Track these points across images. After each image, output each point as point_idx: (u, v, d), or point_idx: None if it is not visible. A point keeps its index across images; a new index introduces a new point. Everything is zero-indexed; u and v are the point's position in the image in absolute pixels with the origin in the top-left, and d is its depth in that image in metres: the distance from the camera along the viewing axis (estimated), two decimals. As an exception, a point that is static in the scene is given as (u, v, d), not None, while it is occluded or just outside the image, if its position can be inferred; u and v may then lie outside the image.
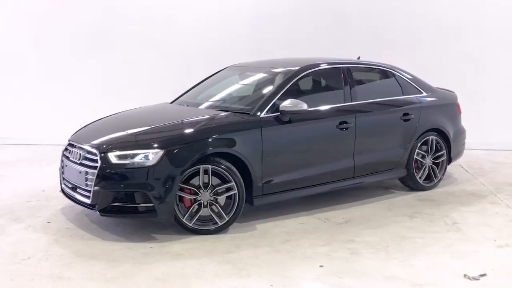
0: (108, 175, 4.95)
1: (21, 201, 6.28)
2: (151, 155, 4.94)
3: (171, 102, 6.47)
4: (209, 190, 5.13)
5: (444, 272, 4.39)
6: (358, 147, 6.04)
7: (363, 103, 6.18)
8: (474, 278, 4.28)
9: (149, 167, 4.91)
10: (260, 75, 6.17)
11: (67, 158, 5.46)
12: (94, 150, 5.09)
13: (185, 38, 9.53)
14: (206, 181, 5.10)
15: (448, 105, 7.01)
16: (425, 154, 6.67)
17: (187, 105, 6.11)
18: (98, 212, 5.03)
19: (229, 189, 5.20)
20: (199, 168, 5.08)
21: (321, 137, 5.81)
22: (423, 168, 6.68)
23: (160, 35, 9.56)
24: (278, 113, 5.52)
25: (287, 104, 5.49)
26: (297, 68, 5.96)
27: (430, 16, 9.31)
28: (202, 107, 5.93)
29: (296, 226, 5.48)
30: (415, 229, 5.40)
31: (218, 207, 5.19)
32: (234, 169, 5.19)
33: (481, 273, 4.36)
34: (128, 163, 4.93)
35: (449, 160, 6.96)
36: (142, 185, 4.90)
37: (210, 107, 5.87)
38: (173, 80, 9.21)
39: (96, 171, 4.98)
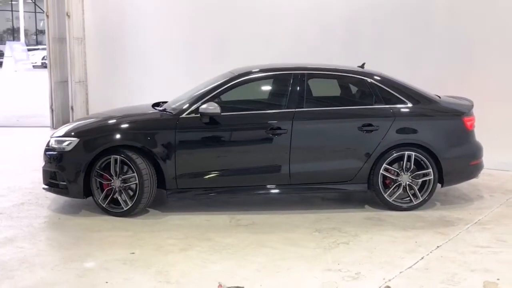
0: (47, 156, 6.16)
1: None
2: (72, 143, 5.96)
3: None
4: (119, 178, 5.90)
5: (211, 276, 4.44)
6: (295, 154, 5.97)
7: (307, 111, 6.06)
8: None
9: (66, 152, 5.95)
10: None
11: None
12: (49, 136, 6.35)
13: (290, 39, 9.98)
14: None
15: (443, 118, 6.22)
16: (400, 170, 6.09)
17: (159, 105, 6.82)
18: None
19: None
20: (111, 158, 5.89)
21: (244, 140, 5.99)
22: (394, 186, 6.12)
23: (268, 38, 10.22)
24: (199, 115, 5.93)
25: (204, 107, 5.88)
26: (233, 74, 6.21)
27: None
28: (166, 107, 6.53)
29: (197, 221, 5.83)
30: (289, 241, 5.24)
31: (124, 194, 5.90)
32: (139, 161, 5.83)
33: (238, 285, 4.27)
34: (56, 147, 6.05)
35: (441, 181, 6.17)
36: (59, 167, 5.97)
37: (166, 107, 6.48)
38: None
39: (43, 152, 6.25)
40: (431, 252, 4.99)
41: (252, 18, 10.42)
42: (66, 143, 5.99)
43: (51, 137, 6.23)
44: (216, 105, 5.83)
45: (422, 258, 4.85)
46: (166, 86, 11.76)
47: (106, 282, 4.33)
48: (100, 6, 12.52)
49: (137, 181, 5.83)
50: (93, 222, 5.77)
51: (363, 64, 6.83)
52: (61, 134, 6.18)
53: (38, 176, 6.70)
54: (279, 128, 5.93)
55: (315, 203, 6.47)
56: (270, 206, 6.34)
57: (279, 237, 5.36)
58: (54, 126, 12.39)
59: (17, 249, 5.03)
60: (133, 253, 4.93)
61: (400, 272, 4.54)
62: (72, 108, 12.49)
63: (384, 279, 4.41)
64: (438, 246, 5.13)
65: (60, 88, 12.55)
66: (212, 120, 5.91)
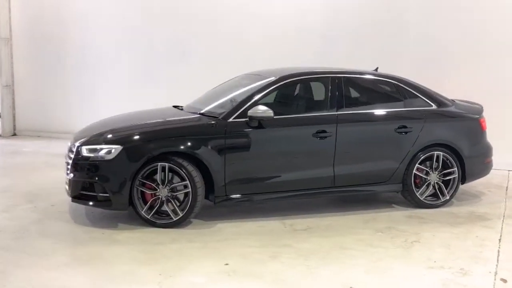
0: (78, 166, 5.62)
1: (53, 187, 7.15)
2: (113, 150, 5.49)
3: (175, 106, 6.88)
4: (167, 187, 5.54)
5: (331, 284, 4.35)
6: (340, 157, 6.02)
7: (349, 114, 6.14)
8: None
9: (107, 161, 5.48)
10: (256, 83, 6.33)
11: None
12: (74, 143, 5.79)
13: (254, 52, 9.93)
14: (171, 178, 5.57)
15: (464, 120, 6.62)
16: (429, 170, 6.36)
17: (182, 109, 6.56)
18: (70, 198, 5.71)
19: (186, 187, 5.55)
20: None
21: (292, 144, 5.92)
22: (425, 185, 6.38)
23: (232, 48, 10.11)
24: (247, 119, 5.75)
25: (255, 110, 5.72)
26: (275, 77, 6.12)
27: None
28: (193, 111, 6.29)
29: (252, 228, 5.68)
30: (364, 242, 5.30)
31: (174, 203, 5.56)
32: (191, 168, 5.53)
33: (366, 288, 4.25)
34: (92, 156, 5.54)
35: (463, 179, 6.54)
36: (100, 177, 5.48)
37: (196, 110, 6.23)
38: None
39: (71, 161, 5.68)
40: (499, 245, 5.30)
41: (214, 19, 10.28)
42: (104, 151, 5.53)
43: (79, 146, 5.69)
44: (266, 107, 5.72)
45: (499, 250, 5.14)
46: (105, 89, 11.22)
47: (236, 295, 4.11)
48: (30, 4, 11.57)
49: (189, 189, 5.55)
50: (145, 235, 5.39)
51: (377, 68, 7.06)
52: (92, 142, 5.67)
53: (25, 191, 6.76)
54: (325, 131, 5.95)
55: (343, 205, 6.56)
56: (304, 210, 6.31)
57: (351, 239, 5.39)
58: (-22, 134, 11.29)
59: (92, 266, 4.60)
60: (227, 264, 4.70)
61: (496, 265, 4.77)
62: (-1, 115, 11.44)
63: (490, 272, 4.63)
64: (499, 239, 5.46)
65: (-16, 93, 11.44)
66: (260, 124, 5.78)
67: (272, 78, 6.13)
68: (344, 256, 4.94)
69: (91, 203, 5.63)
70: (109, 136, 5.70)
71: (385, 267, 4.69)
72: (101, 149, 5.56)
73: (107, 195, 5.49)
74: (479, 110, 6.80)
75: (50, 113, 11.69)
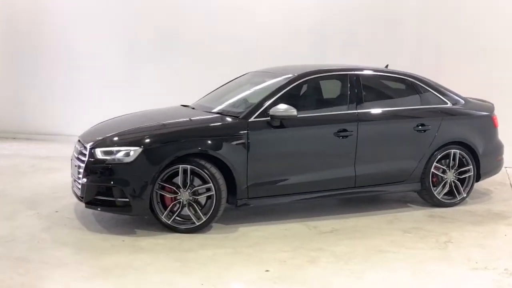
0: (93, 169, 5.28)
1: (50, 192, 6.78)
2: (132, 152, 5.18)
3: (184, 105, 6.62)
4: (189, 190, 5.26)
5: (379, 286, 4.19)
6: (361, 156, 5.87)
7: (369, 112, 6.00)
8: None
9: (126, 164, 5.17)
10: (269, 81, 6.15)
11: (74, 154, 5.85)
12: (86, 145, 5.44)
13: (246, 45, 9.71)
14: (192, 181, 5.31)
15: (478, 117, 6.57)
16: (446, 168, 6.28)
17: (193, 108, 6.29)
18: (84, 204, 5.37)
19: (209, 189, 5.29)
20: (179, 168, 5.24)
21: (314, 144, 5.74)
22: (442, 183, 6.30)
23: (223, 41, 9.84)
24: (269, 118, 5.53)
25: (277, 109, 5.50)
26: (294, 74, 5.93)
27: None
28: (206, 110, 6.04)
29: (277, 232, 5.46)
30: (398, 244, 5.16)
31: (196, 207, 5.29)
32: (214, 170, 5.28)
33: (424, 293, 4.10)
34: (109, 159, 5.22)
35: (478, 177, 6.49)
36: (118, 181, 5.16)
37: (209, 110, 5.99)
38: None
39: (84, 165, 5.33)
40: (532, 243, 5.26)
41: (208, 18, 10.00)
42: (122, 153, 5.23)
43: (92, 148, 5.35)
44: (290, 106, 5.52)
45: (533, 249, 5.09)
46: (84, 89, 10.79)
47: (291, 304, 3.89)
48: (5, 0, 11.01)
49: (213, 192, 5.29)
50: (170, 242, 5.11)
51: (387, 65, 6.96)
52: (107, 144, 5.35)
53: (21, 196, 6.46)
54: (346, 130, 5.80)
55: (359, 206, 6.40)
56: (323, 211, 6.13)
57: (383, 241, 5.25)
58: None
59: (125, 277, 4.30)
60: (267, 270, 4.48)
61: (537, 264, 4.72)
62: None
63: (535, 272, 4.55)
64: (529, 238, 5.42)
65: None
66: (281, 123, 5.58)
67: (291, 76, 5.92)
68: (384, 259, 4.80)
69: (105, 208, 5.32)
70: (126, 137, 5.40)
71: (430, 269, 4.57)
72: (118, 151, 5.25)
73: (127, 199, 5.18)
74: (491, 108, 6.77)
75: (26, 114, 11.16)
